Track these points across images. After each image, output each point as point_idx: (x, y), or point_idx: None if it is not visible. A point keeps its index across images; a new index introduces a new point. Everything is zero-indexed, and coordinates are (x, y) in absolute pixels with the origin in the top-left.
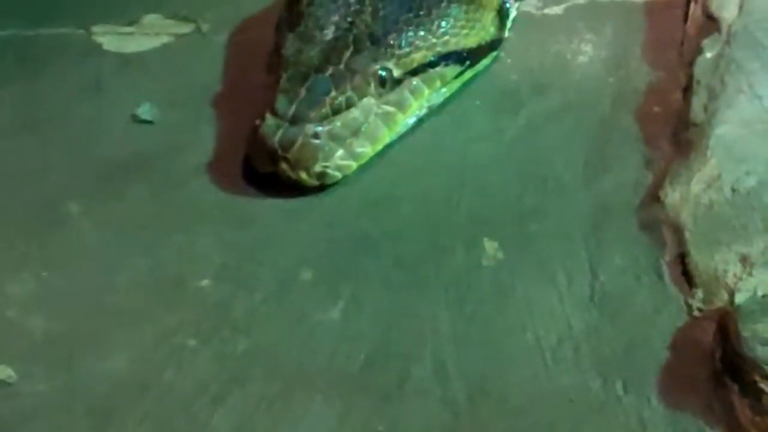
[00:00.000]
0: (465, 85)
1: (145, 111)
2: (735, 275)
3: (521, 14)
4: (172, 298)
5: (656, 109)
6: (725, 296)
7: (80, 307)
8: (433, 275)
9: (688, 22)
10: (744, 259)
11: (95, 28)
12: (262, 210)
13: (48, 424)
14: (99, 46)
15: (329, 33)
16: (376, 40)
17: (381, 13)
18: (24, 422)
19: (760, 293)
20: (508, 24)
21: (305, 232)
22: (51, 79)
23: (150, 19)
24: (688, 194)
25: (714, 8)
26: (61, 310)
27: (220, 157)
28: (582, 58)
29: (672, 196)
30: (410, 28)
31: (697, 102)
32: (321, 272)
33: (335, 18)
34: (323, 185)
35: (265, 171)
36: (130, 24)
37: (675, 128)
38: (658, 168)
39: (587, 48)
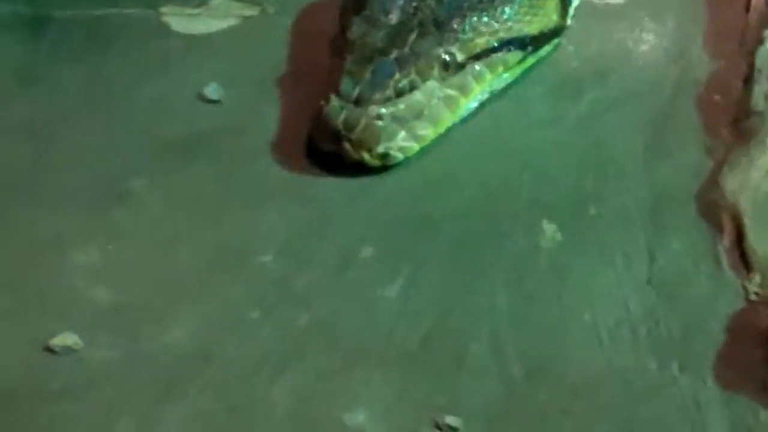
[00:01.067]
0: (527, 71)
1: (211, 90)
2: None
3: (583, 3)
4: (235, 271)
5: (717, 97)
6: None
7: (144, 279)
8: (491, 256)
9: (750, 12)
10: None
11: (164, 9)
12: (325, 189)
13: (112, 391)
14: (167, 26)
15: (394, 17)
16: (440, 25)
17: None
18: (89, 388)
19: None
20: (571, 12)
21: (367, 211)
22: (118, 59)
23: (217, 1)
24: (748, 181)
25: None
26: (125, 281)
27: (285, 136)
28: (644, 47)
29: (731, 182)
30: (474, 13)
31: (758, 91)
32: (381, 250)
33: (400, 3)
34: (385, 166)
35: (328, 151)
36: (198, 5)
37: (735, 116)
38: (718, 155)
39: (649, 37)
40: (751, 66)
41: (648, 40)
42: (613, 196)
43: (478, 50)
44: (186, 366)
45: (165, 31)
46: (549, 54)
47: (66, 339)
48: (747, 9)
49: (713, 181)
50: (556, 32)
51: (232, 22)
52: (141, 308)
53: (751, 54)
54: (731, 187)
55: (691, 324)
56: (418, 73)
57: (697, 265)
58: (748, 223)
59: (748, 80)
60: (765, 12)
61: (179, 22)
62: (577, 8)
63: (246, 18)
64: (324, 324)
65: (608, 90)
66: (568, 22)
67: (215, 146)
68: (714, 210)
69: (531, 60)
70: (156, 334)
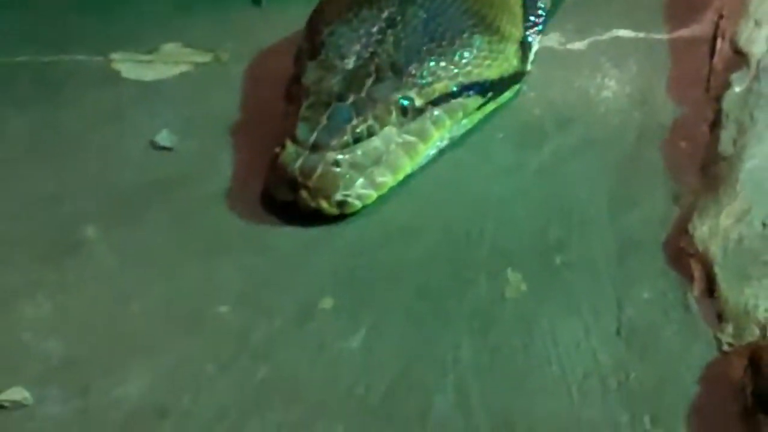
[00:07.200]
0: (487, 117)
1: (163, 137)
2: (766, 310)
3: (544, 49)
4: (190, 324)
5: (682, 144)
6: (756, 331)
7: (96, 332)
8: (455, 306)
9: (715, 58)
10: None
11: (114, 56)
12: (282, 238)
13: None
14: (117, 73)
15: (351, 62)
16: (398, 70)
17: (403, 42)
18: None
19: None
20: (531, 57)
21: (325, 260)
22: (68, 106)
23: (169, 47)
24: (718, 228)
25: (742, 43)
26: (77, 334)
27: (239, 184)
28: (606, 93)
29: (701, 229)
30: (432, 57)
31: (726, 136)
32: (341, 301)
33: (357, 47)
34: (343, 214)
35: (284, 199)
36: (149, 52)
37: (702, 162)
38: (686, 202)
39: (611, 83)
40: (718, 111)
41: (610, 86)
42: (578, 245)
43: (436, 95)
44: (140, 421)
45: (115, 78)
46: (510, 100)
47: (15, 394)
48: (711, 55)
49: (682, 229)
50: (516, 78)
51: (184, 68)
52: (93, 362)
53: (718, 100)
54: (701, 235)
55: (663, 376)
56: (376, 118)
57: (667, 314)
58: (718, 271)
59: (715, 126)
60: (731, 57)
61: (130, 68)
62: (537, 53)
63: (198, 65)
64: (283, 377)
65: (571, 137)
66: (529, 67)
67: (168, 195)
68: (683, 258)
69: (491, 106)
70: (109, 389)
